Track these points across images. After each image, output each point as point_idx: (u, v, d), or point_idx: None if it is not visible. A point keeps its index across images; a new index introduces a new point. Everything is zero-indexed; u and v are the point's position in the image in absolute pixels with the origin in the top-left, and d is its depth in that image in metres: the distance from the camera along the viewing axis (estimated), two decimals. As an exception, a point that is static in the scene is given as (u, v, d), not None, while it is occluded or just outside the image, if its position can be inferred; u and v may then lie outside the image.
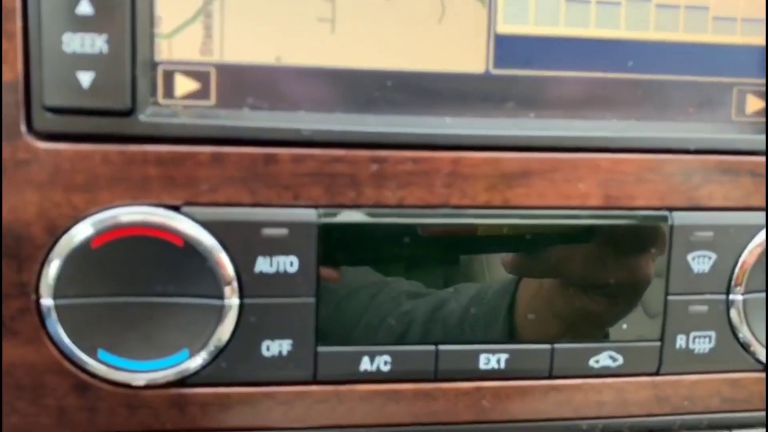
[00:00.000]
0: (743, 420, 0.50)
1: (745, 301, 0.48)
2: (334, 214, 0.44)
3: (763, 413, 0.51)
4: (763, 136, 0.47)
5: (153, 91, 0.43)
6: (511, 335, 0.46)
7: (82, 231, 0.42)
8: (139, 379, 0.44)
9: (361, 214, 0.44)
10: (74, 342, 0.43)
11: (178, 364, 0.44)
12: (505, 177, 0.45)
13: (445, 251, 0.45)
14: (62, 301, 0.42)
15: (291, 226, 0.43)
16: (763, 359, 0.50)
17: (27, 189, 0.42)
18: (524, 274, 0.46)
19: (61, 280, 0.42)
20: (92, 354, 0.43)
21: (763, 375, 0.50)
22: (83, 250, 0.42)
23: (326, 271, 0.44)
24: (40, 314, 0.43)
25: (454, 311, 0.46)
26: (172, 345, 0.44)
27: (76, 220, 0.42)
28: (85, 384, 0.44)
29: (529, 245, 0.46)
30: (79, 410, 0.44)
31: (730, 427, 0.50)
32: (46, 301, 0.42)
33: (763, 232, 0.48)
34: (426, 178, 0.44)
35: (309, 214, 0.44)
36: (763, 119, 0.49)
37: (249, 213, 0.43)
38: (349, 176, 0.44)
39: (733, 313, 0.48)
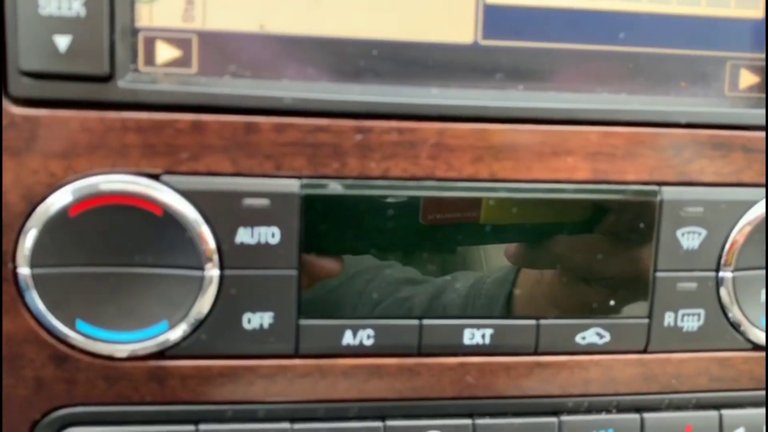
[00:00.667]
0: (732, 399, 0.50)
1: (734, 279, 0.47)
2: (317, 185, 0.43)
3: (753, 393, 0.50)
4: (757, 111, 0.46)
5: (134, 58, 0.42)
6: (496, 311, 0.46)
7: (59, 199, 0.41)
8: (118, 351, 0.43)
9: (344, 186, 0.43)
10: (52, 312, 0.42)
11: (157, 336, 0.43)
12: (492, 149, 0.44)
13: (431, 224, 0.44)
14: (40, 271, 0.42)
15: (273, 196, 0.42)
16: (754, 339, 0.49)
17: (3, 155, 0.41)
18: (510, 249, 0.45)
19: (38, 249, 0.41)
20: (70, 324, 0.43)
21: (753, 354, 0.49)
22: (61, 218, 0.41)
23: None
24: (17, 284, 0.42)
25: (440, 287, 0.45)
26: (152, 316, 0.43)
27: (54, 187, 0.41)
28: (63, 355, 0.43)
29: (516, 219, 0.45)
30: (57, 381, 0.44)
31: (718, 406, 0.50)
32: (23, 270, 0.42)
33: (755, 208, 0.47)
34: (411, 150, 0.43)
35: (291, 185, 0.43)
36: (758, 94, 0.48)
37: (230, 183, 0.42)
38: (333, 146, 0.43)
39: (722, 291, 0.47)
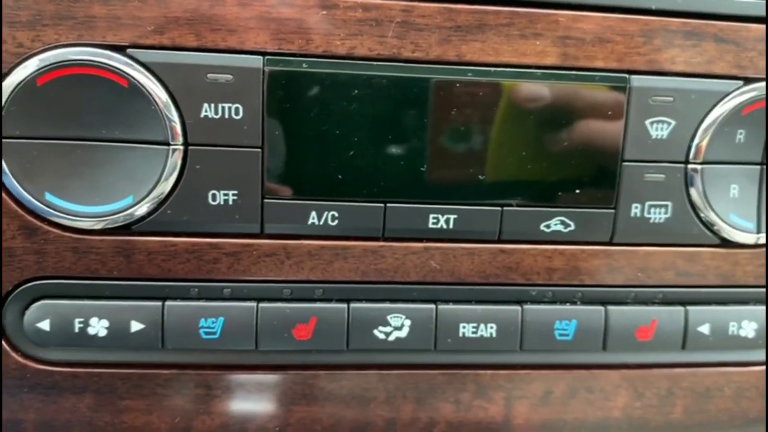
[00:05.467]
0: (698, 296, 0.50)
1: (703, 172, 0.47)
2: (280, 62, 0.43)
3: (719, 290, 0.50)
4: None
5: None
6: (460, 195, 0.46)
7: (27, 68, 0.42)
8: (85, 223, 0.44)
9: (308, 63, 0.43)
10: (20, 183, 0.43)
11: (123, 210, 0.44)
12: (460, 30, 0.44)
13: (395, 104, 0.44)
14: (8, 141, 0.42)
15: (236, 71, 0.43)
16: (727, 236, 0.48)
17: (-30, 24, 0.41)
18: (476, 133, 0.45)
19: (7, 118, 0.42)
20: (39, 196, 0.43)
21: (720, 250, 0.49)
22: (29, 87, 0.42)
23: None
24: None
25: (405, 169, 0.45)
26: (118, 191, 0.44)
27: (22, 57, 0.42)
28: (33, 226, 0.44)
29: (484, 103, 0.45)
30: (26, 253, 0.45)
31: (684, 302, 0.50)
32: None
33: (726, 100, 0.46)
34: (377, 28, 0.43)
35: (255, 61, 0.43)
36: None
37: (194, 57, 0.42)
38: (297, 21, 0.43)
39: (692, 188, 0.47)
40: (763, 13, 0.46)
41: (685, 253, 0.49)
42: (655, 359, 0.51)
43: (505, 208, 0.46)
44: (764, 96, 0.46)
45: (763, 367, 0.52)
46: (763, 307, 0.50)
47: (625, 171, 0.46)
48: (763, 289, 0.50)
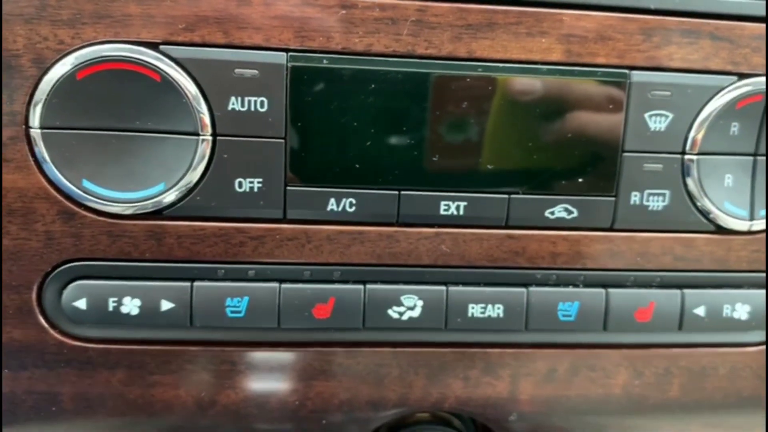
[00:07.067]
0: (694, 280, 0.53)
1: (699, 163, 0.50)
2: (303, 59, 0.46)
3: (714, 274, 0.53)
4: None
5: None
6: (470, 184, 0.49)
7: (67, 64, 0.45)
8: (119, 208, 0.47)
9: (328, 59, 0.46)
10: (60, 171, 0.46)
11: (155, 197, 0.47)
12: (471, 28, 0.47)
13: (409, 98, 0.47)
14: (49, 131, 0.46)
15: (261, 67, 0.46)
16: (722, 224, 0.51)
17: (15, 22, 0.44)
18: (485, 125, 0.48)
19: (48, 110, 0.45)
20: (77, 183, 0.47)
21: (715, 236, 0.52)
22: (69, 81, 0.45)
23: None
24: (30, 143, 0.46)
25: (417, 158, 0.48)
26: (151, 178, 0.47)
27: (62, 53, 0.45)
28: (71, 211, 0.47)
29: (492, 97, 0.48)
30: (64, 236, 0.48)
31: (681, 286, 0.53)
32: (35, 131, 0.45)
33: (721, 94, 0.49)
34: (393, 27, 0.46)
35: (279, 57, 0.46)
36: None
37: (222, 53, 0.46)
38: (318, 20, 0.46)
39: (689, 178, 0.50)
40: (756, 12, 0.49)
41: (681, 239, 0.52)
42: (654, 339, 0.54)
43: (512, 195, 0.49)
44: (758, 90, 0.49)
45: (761, 348, 0.55)
46: (756, 291, 0.53)
47: (625, 161, 0.49)
48: (756, 274, 0.53)
